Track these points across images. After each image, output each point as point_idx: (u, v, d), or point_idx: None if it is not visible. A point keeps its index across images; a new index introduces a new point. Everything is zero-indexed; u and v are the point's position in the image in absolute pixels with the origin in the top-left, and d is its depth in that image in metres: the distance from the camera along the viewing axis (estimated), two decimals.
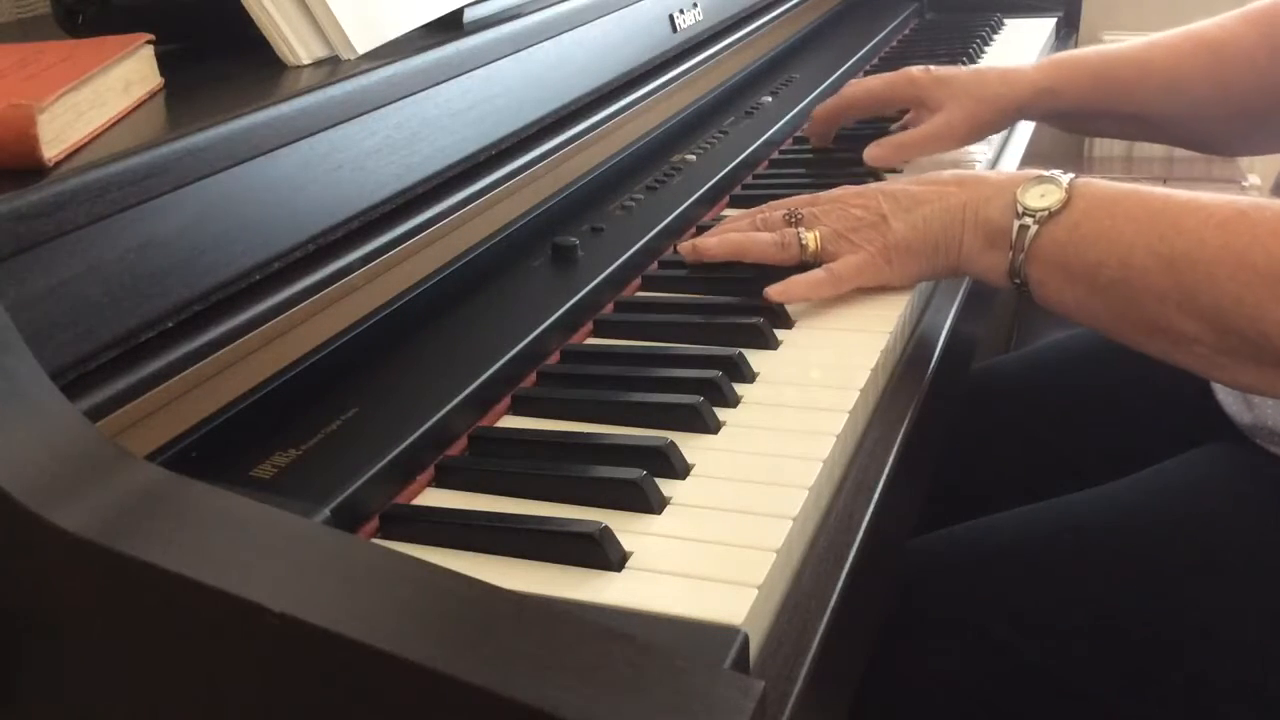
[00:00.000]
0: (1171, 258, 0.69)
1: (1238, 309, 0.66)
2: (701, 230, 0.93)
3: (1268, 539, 0.78)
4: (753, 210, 0.86)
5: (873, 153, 1.03)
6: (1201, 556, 0.80)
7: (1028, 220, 0.74)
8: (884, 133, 1.06)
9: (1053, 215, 0.73)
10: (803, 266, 0.81)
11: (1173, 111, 1.02)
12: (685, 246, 0.84)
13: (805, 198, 0.85)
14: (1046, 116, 1.08)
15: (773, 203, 0.85)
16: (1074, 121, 1.10)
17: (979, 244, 0.77)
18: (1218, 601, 0.78)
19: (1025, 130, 1.22)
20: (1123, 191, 0.73)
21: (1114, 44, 1.06)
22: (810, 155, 1.12)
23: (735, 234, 0.83)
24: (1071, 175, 0.75)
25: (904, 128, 1.08)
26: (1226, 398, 0.87)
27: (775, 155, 1.11)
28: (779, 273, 0.80)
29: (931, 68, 1.06)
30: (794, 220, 0.82)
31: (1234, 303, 0.66)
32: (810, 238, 0.80)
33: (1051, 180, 0.75)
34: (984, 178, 0.80)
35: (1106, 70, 1.03)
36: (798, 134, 1.17)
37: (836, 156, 1.10)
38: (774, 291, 0.78)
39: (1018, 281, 0.76)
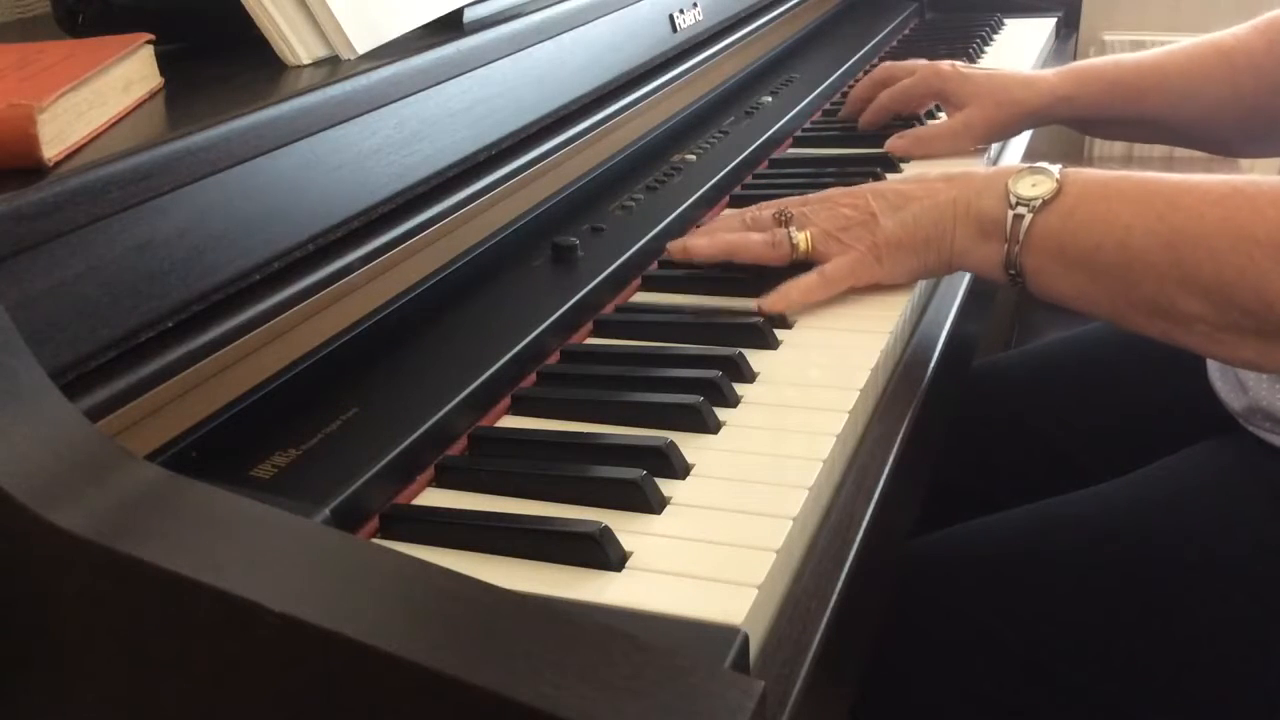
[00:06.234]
0: (1170, 236, 0.69)
1: (1241, 281, 0.66)
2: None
3: (1267, 534, 0.78)
4: (742, 210, 0.86)
5: (895, 143, 1.07)
6: (1202, 554, 0.79)
7: (1022, 210, 0.74)
8: (908, 122, 1.13)
9: (1046, 203, 0.74)
10: (794, 265, 0.81)
11: (1188, 116, 1.05)
12: (675, 245, 0.84)
13: (796, 199, 0.85)
14: (1062, 121, 1.12)
15: (763, 203, 0.85)
16: (1088, 126, 1.14)
17: (972, 237, 0.77)
18: (1219, 599, 0.78)
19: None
20: (1114, 176, 0.74)
21: (1130, 55, 1.09)
22: (811, 155, 1.12)
23: (726, 234, 0.83)
24: (1060, 166, 0.76)
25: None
26: (1220, 383, 0.87)
27: (775, 155, 1.11)
28: (778, 274, 0.80)
29: (959, 65, 1.11)
30: (784, 220, 0.81)
31: (1237, 275, 0.66)
32: (801, 238, 0.80)
33: (1042, 170, 0.75)
34: (971, 173, 0.81)
35: (1123, 78, 1.06)
36: (798, 134, 1.17)
37: (838, 155, 1.10)
38: (768, 303, 0.78)
39: (1013, 273, 0.76)
